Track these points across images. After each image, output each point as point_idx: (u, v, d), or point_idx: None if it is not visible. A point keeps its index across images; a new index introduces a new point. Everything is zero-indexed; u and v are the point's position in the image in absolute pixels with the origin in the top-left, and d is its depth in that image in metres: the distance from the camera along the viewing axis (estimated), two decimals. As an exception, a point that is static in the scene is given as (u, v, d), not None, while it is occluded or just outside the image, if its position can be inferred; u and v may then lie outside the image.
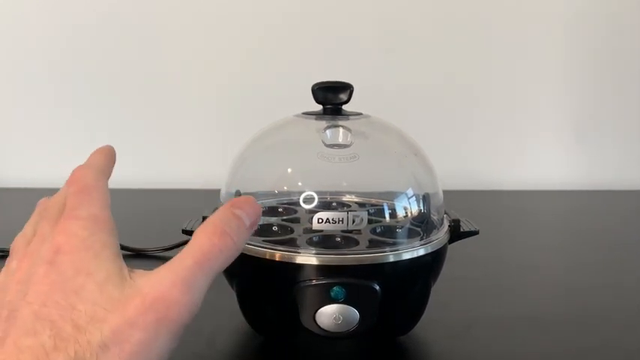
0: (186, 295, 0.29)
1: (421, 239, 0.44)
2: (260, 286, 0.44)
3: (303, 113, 0.50)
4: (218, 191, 0.50)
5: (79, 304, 0.27)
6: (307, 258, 0.41)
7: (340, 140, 0.48)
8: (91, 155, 0.38)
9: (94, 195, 0.33)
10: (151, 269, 0.31)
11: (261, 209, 0.35)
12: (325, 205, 0.50)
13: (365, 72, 1.02)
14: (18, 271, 0.31)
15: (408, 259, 0.42)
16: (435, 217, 0.47)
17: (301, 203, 0.45)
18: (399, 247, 0.43)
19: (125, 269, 0.30)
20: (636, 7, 1.05)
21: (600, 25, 1.06)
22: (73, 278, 0.28)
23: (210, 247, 0.31)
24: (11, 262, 0.32)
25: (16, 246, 0.34)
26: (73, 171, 0.36)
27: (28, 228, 0.35)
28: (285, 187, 0.51)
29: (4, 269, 0.32)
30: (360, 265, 0.41)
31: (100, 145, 0.40)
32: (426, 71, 1.05)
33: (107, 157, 0.38)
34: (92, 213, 0.32)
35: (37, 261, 0.30)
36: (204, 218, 0.47)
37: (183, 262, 0.30)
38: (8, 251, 0.68)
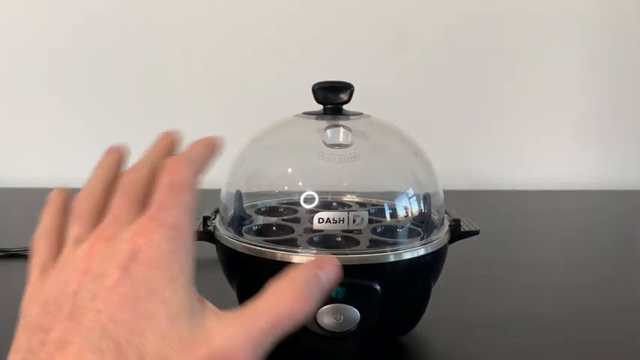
0: (253, 356, 0.27)
1: (421, 239, 0.44)
2: (260, 286, 0.44)
3: (304, 113, 0.50)
4: (218, 191, 0.50)
5: (148, 333, 0.26)
6: (307, 258, 0.41)
7: (341, 140, 0.48)
8: (192, 145, 0.35)
9: (184, 197, 0.31)
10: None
11: (340, 268, 0.32)
12: (325, 205, 0.50)
13: (365, 72, 1.02)
14: (87, 257, 0.29)
15: (409, 259, 0.42)
16: (435, 217, 0.47)
17: (302, 203, 0.45)
18: (400, 247, 0.43)
19: (197, 302, 0.28)
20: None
21: (600, 24, 1.06)
22: (145, 300, 0.27)
23: (289, 312, 0.29)
24: (74, 228, 0.31)
25: (82, 206, 0.32)
26: (170, 159, 0.33)
27: (93, 183, 0.34)
28: (286, 187, 0.51)
29: (67, 238, 0.31)
30: (361, 264, 0.41)
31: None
32: (426, 71, 1.05)
33: (209, 151, 0.35)
34: (178, 223, 0.29)
35: (111, 258, 0.28)
36: (204, 218, 0.48)
37: (257, 320, 0.28)
38: (8, 251, 0.68)
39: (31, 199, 0.95)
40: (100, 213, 0.32)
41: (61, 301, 0.27)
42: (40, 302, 0.28)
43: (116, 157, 0.37)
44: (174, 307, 0.27)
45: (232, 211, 0.48)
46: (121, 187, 0.32)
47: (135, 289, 0.27)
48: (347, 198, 0.53)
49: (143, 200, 0.31)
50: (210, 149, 0.36)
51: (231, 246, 0.44)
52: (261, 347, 0.28)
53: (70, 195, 0.36)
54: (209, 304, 0.29)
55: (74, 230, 0.31)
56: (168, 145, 0.37)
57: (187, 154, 0.34)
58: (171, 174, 0.31)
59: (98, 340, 0.25)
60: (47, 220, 0.34)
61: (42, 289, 0.29)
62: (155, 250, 0.28)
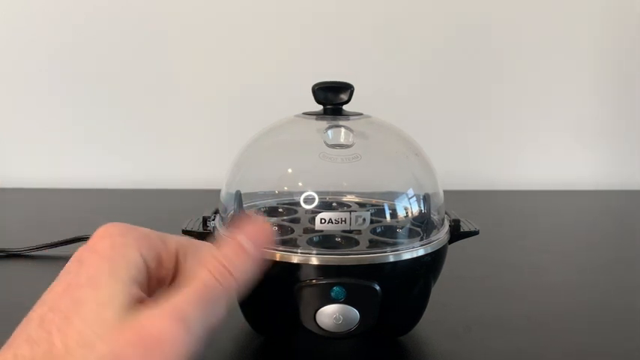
0: (182, 331, 0.27)
1: (421, 239, 0.44)
2: (260, 286, 0.44)
3: (304, 113, 0.50)
4: (218, 191, 0.50)
5: (75, 319, 0.27)
6: (307, 258, 0.41)
7: (342, 140, 0.48)
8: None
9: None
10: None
11: (272, 230, 0.33)
12: (325, 206, 0.50)
13: (365, 72, 1.02)
14: None
15: (409, 259, 0.42)
16: (435, 217, 0.47)
17: (302, 203, 0.45)
18: (400, 247, 0.43)
19: (134, 297, 0.28)
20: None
21: (602, 23, 1.06)
22: (82, 288, 0.28)
23: (210, 286, 0.29)
24: None
25: None
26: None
27: None
28: (286, 188, 0.51)
29: None
30: (361, 265, 0.41)
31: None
32: (427, 71, 1.05)
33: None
34: (139, 227, 0.31)
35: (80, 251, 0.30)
36: (204, 218, 0.48)
37: (183, 297, 0.28)
38: (8, 251, 0.68)
39: (31, 199, 0.96)
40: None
41: None
42: None
43: None
44: (105, 295, 0.27)
45: (232, 212, 0.48)
46: None
47: (78, 275, 0.28)
48: (346, 198, 0.53)
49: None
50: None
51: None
52: (193, 324, 0.28)
53: None
54: (152, 303, 0.29)
55: None
56: None
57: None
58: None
59: (34, 330, 0.26)
60: None
61: None
62: (109, 239, 0.29)
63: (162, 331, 0.27)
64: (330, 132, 0.48)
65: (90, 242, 0.30)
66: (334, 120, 0.48)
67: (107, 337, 0.26)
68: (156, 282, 0.31)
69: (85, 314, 0.27)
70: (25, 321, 0.28)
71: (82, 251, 0.29)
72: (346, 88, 0.47)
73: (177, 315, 0.27)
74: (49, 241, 0.65)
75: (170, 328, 0.27)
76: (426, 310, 0.46)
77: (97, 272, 0.28)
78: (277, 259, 0.41)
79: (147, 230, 0.31)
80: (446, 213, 0.49)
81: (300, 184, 0.48)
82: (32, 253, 0.66)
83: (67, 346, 0.26)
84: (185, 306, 0.28)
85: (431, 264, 0.44)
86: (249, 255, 0.31)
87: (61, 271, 0.29)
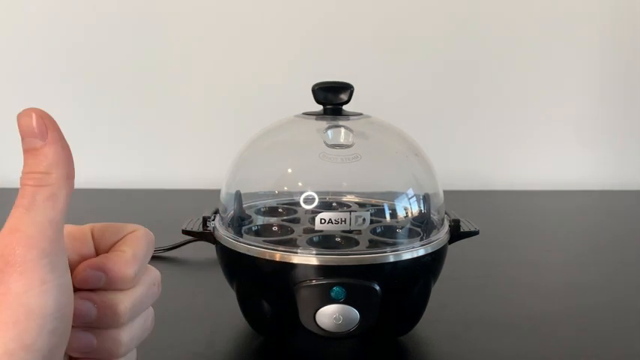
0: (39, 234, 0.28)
1: (421, 239, 0.44)
2: (260, 286, 0.44)
3: (304, 113, 0.50)
4: (218, 191, 0.50)
5: None
6: (307, 258, 0.41)
7: (342, 140, 0.48)
8: None
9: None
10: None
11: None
12: (325, 206, 0.50)
13: (365, 72, 1.02)
14: None
15: (408, 260, 0.42)
16: (435, 217, 0.47)
17: (302, 203, 0.45)
18: (399, 248, 0.43)
19: (16, 273, 0.27)
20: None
21: (603, 23, 1.06)
22: None
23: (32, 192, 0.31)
24: None
25: None
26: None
27: None
28: (286, 188, 0.51)
29: None
30: (360, 265, 0.41)
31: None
32: (426, 72, 1.05)
33: None
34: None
35: None
36: (204, 218, 0.48)
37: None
38: (8, 251, 0.68)
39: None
40: None
41: None
42: None
43: None
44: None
45: (232, 212, 0.48)
46: None
47: None
48: (346, 198, 0.53)
49: None
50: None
51: (230, 246, 0.44)
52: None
53: None
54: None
55: None
56: None
57: None
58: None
59: None
60: None
61: None
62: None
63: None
64: (330, 132, 0.48)
65: None
66: (334, 120, 0.48)
67: None
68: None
69: None
70: None
71: None
72: (346, 88, 0.47)
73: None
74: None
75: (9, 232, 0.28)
76: (426, 310, 0.46)
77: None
78: (277, 259, 0.41)
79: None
80: (446, 213, 0.49)
81: (300, 184, 0.48)
82: (32, 253, 0.66)
83: None
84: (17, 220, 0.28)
85: (431, 264, 0.44)
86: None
87: None
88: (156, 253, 0.67)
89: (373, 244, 0.44)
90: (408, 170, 0.50)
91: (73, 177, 0.31)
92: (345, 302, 0.40)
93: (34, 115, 0.31)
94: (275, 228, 0.47)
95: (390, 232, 0.46)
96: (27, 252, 0.27)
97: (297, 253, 0.41)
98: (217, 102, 1.05)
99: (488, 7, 1.04)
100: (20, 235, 0.27)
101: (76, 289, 0.28)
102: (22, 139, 0.30)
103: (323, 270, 0.40)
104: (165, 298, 0.34)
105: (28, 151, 0.31)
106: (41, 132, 0.30)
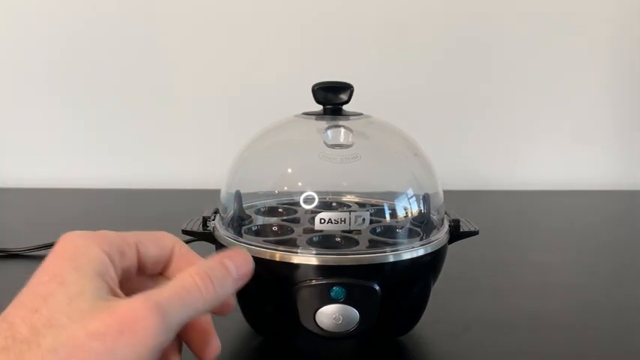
0: (156, 315, 0.27)
1: (421, 239, 0.44)
2: (260, 286, 0.44)
3: (304, 113, 0.50)
4: (218, 191, 0.50)
5: (44, 309, 0.27)
6: (307, 258, 0.41)
7: (342, 140, 0.48)
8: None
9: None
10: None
11: (253, 263, 0.34)
12: (325, 206, 0.50)
13: (365, 72, 1.02)
14: None
15: (408, 260, 0.42)
16: (435, 217, 0.47)
17: (302, 203, 0.45)
18: (399, 248, 0.43)
19: (104, 290, 0.29)
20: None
21: (603, 23, 1.06)
22: (46, 284, 0.28)
23: (191, 284, 0.30)
24: None
25: None
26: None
27: None
28: (286, 188, 0.51)
29: None
30: (360, 265, 0.41)
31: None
32: (426, 71, 1.05)
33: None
34: (100, 232, 0.32)
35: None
36: (204, 218, 0.48)
37: (161, 290, 0.29)
38: (8, 251, 0.68)
39: (31, 199, 0.96)
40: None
41: None
42: None
43: None
44: (74, 289, 0.27)
45: (232, 212, 0.48)
46: None
47: (38, 276, 0.28)
48: (346, 198, 0.53)
49: None
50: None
51: (230, 246, 0.44)
52: (168, 311, 0.28)
53: None
54: (121, 294, 0.30)
55: None
56: None
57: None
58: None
59: None
60: None
61: None
62: (69, 244, 0.30)
63: (137, 314, 0.27)
64: (329, 132, 0.48)
65: (52, 250, 0.30)
66: (334, 120, 0.48)
67: (80, 320, 0.26)
68: (122, 273, 0.32)
69: (54, 306, 0.27)
70: None
71: (45, 260, 0.30)
72: (346, 88, 0.47)
73: (153, 302, 0.28)
74: (49, 241, 0.65)
75: (145, 311, 0.27)
76: (426, 310, 0.46)
77: (62, 270, 0.28)
78: (277, 259, 0.41)
79: (106, 231, 0.32)
80: (446, 213, 0.49)
81: (299, 184, 0.48)
82: (32, 253, 0.66)
83: (34, 328, 0.26)
84: (161, 298, 0.28)
85: (431, 264, 0.44)
86: (231, 275, 0.32)
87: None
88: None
89: (373, 244, 0.44)
90: (408, 170, 0.50)
91: None
92: (344, 302, 0.40)
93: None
94: (275, 228, 0.47)
95: (389, 232, 0.46)
96: None
97: (297, 253, 0.41)
98: (217, 102, 1.05)
99: (488, 7, 1.04)
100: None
101: None
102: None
103: (323, 270, 0.40)
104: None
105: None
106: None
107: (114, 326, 0.26)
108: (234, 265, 0.33)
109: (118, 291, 0.30)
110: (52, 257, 0.30)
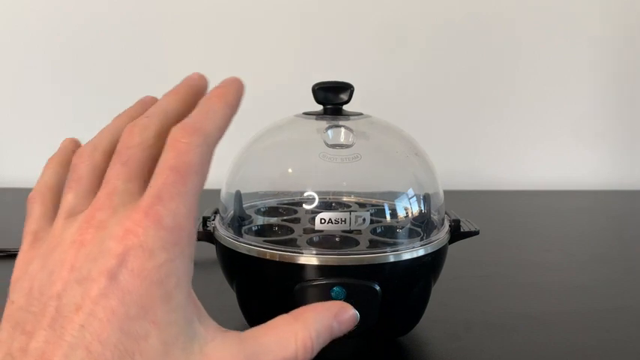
0: None
1: (421, 239, 0.44)
2: (260, 286, 0.44)
3: (304, 113, 0.50)
4: (218, 191, 0.50)
5: (137, 356, 0.23)
6: (307, 258, 0.41)
7: (342, 140, 0.48)
8: (209, 100, 0.30)
9: (190, 184, 0.26)
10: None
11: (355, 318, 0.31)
12: (325, 206, 0.50)
13: (365, 72, 1.02)
14: (74, 248, 0.25)
15: (409, 260, 0.42)
16: (435, 217, 0.47)
17: (302, 203, 0.45)
18: (400, 248, 0.43)
19: (196, 321, 0.26)
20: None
21: (603, 23, 1.06)
22: (136, 320, 0.24)
23: (291, 357, 0.28)
24: (68, 195, 0.28)
25: (81, 167, 0.28)
26: (179, 129, 0.26)
27: (103, 136, 0.30)
28: (286, 188, 0.51)
29: (61, 204, 0.28)
30: (361, 265, 0.41)
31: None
32: (426, 71, 1.05)
33: (230, 109, 0.30)
34: (179, 222, 0.25)
35: (98, 258, 0.25)
36: (204, 218, 0.48)
37: (261, 357, 0.27)
38: (8, 251, 0.68)
39: (31, 199, 0.96)
40: (101, 177, 0.28)
41: (44, 300, 0.25)
42: (24, 289, 0.26)
43: (140, 108, 0.32)
44: (169, 331, 0.24)
45: (232, 212, 0.48)
46: (119, 153, 0.27)
47: (124, 304, 0.24)
48: (346, 198, 0.53)
49: (145, 172, 0.27)
50: (231, 106, 0.31)
51: (230, 246, 0.44)
52: None
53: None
54: (211, 322, 0.27)
55: (68, 199, 0.28)
56: (187, 97, 0.32)
57: (201, 123, 0.28)
58: (177, 152, 0.26)
59: None
60: (48, 174, 0.31)
61: (28, 268, 0.27)
62: (148, 256, 0.24)
63: None
64: (330, 132, 0.48)
65: (116, 252, 0.24)
66: (334, 120, 0.48)
67: None
68: None
69: (150, 355, 0.24)
70: (53, 339, 0.24)
71: (110, 265, 0.24)
72: (346, 88, 0.47)
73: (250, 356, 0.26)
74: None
75: None
76: (426, 310, 0.46)
77: (150, 302, 0.24)
78: (277, 260, 0.41)
79: (172, 217, 0.25)
80: (446, 213, 0.49)
81: (300, 184, 0.48)
82: (32, 253, 0.66)
83: None
84: (260, 353, 0.26)
85: (431, 264, 0.44)
86: (334, 335, 0.30)
87: (74, 275, 0.25)
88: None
89: (373, 244, 0.44)
90: (409, 170, 0.50)
91: None
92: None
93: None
94: (275, 228, 0.47)
95: (390, 232, 0.46)
96: None
97: (297, 253, 0.41)
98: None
99: (489, 8, 1.04)
100: None
101: None
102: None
103: (323, 270, 0.40)
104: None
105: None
106: None
107: None
108: (340, 328, 0.30)
109: (203, 311, 0.27)
110: (128, 275, 0.24)
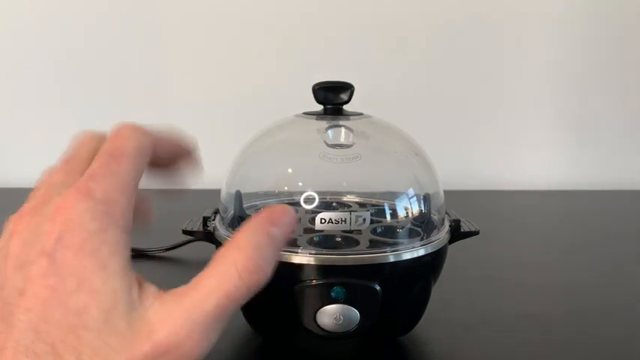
0: (203, 343, 0.25)
1: (421, 239, 0.44)
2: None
3: (304, 113, 0.50)
4: (218, 191, 0.50)
5: (81, 330, 0.24)
6: (308, 258, 0.41)
7: (342, 140, 0.48)
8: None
9: (124, 166, 0.28)
10: (157, 275, 0.29)
11: (295, 218, 0.30)
12: (326, 206, 0.50)
13: (365, 72, 1.02)
14: (13, 238, 0.26)
15: (409, 260, 0.42)
16: (435, 217, 0.47)
17: (302, 203, 0.45)
18: (400, 248, 0.43)
19: (135, 287, 0.26)
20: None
21: (598, 23, 1.05)
22: (74, 293, 0.25)
23: (238, 286, 0.26)
24: (21, 211, 0.28)
25: (37, 186, 0.30)
26: (122, 125, 0.29)
27: (51, 174, 0.31)
28: (286, 187, 0.51)
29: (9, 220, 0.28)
30: (361, 265, 0.41)
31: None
32: (426, 71, 1.05)
33: (175, 135, 0.32)
34: (110, 195, 0.26)
35: (34, 241, 0.26)
36: (204, 218, 0.47)
37: (204, 304, 0.26)
38: (8, 251, 0.67)
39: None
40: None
41: None
42: None
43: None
44: (107, 299, 0.25)
45: (232, 212, 0.48)
46: (67, 152, 0.30)
47: (62, 279, 0.25)
48: (347, 198, 0.53)
49: (84, 168, 0.29)
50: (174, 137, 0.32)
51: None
52: (212, 332, 0.26)
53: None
54: (149, 287, 0.27)
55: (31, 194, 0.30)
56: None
57: (143, 126, 0.30)
58: (115, 140, 0.29)
59: (32, 343, 0.24)
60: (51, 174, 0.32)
61: None
62: (80, 230, 0.25)
63: (182, 345, 0.25)
64: (330, 132, 0.48)
65: (52, 232, 0.25)
66: (334, 120, 0.48)
67: (122, 349, 0.24)
68: None
69: (91, 325, 0.24)
70: (4, 327, 0.25)
71: (46, 245, 0.25)
72: (346, 88, 0.47)
73: (199, 328, 0.25)
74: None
75: (190, 342, 0.25)
76: (426, 310, 0.46)
77: (85, 273, 0.25)
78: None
79: (107, 188, 0.27)
80: (446, 213, 0.49)
81: (300, 184, 0.48)
82: (32, 253, 0.66)
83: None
84: (204, 314, 0.26)
85: (431, 264, 0.44)
86: (276, 239, 0.28)
87: (12, 263, 0.26)
88: (156, 254, 0.67)
89: (373, 244, 0.44)
90: (409, 170, 0.50)
91: None
92: (345, 302, 0.40)
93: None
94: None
95: (390, 232, 0.46)
96: None
97: (297, 253, 0.41)
98: (217, 102, 1.05)
99: (488, 7, 1.04)
100: None
101: None
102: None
103: (323, 270, 0.40)
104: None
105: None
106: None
107: (155, 355, 0.25)
108: (280, 231, 0.29)
109: (142, 279, 0.27)
110: (64, 251, 0.25)
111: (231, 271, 0.27)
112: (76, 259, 0.25)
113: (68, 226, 0.25)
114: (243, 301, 0.27)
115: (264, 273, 0.27)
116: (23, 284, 0.25)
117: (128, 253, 0.27)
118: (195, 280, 0.27)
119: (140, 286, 0.26)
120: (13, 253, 0.26)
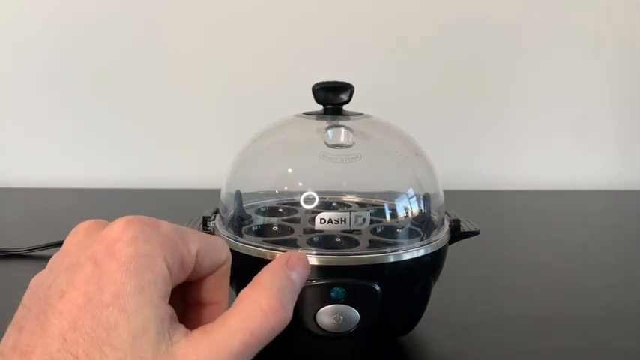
0: None
1: (421, 239, 0.44)
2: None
3: (304, 113, 0.50)
4: (218, 191, 0.50)
5: (107, 347, 0.24)
6: (308, 258, 0.41)
7: (342, 140, 0.48)
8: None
9: (190, 246, 0.29)
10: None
11: (309, 266, 0.32)
12: (325, 206, 0.50)
13: (365, 72, 1.02)
14: (72, 246, 0.28)
15: (409, 260, 0.42)
16: (435, 217, 0.47)
17: (302, 203, 0.45)
18: (400, 248, 0.43)
19: (166, 321, 0.26)
20: None
21: (598, 22, 1.05)
22: (108, 307, 0.24)
23: (263, 324, 0.27)
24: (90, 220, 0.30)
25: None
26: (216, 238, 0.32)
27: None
28: (286, 188, 0.51)
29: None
30: (361, 265, 0.41)
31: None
32: (426, 71, 1.05)
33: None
34: (170, 234, 0.27)
35: (89, 246, 0.26)
36: (204, 218, 0.47)
37: (230, 342, 0.26)
38: (8, 251, 0.68)
39: (31, 199, 0.96)
40: None
41: (40, 292, 0.26)
42: (31, 290, 0.27)
43: None
44: (136, 322, 0.25)
45: (232, 212, 0.48)
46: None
47: (100, 289, 0.25)
48: (346, 198, 0.53)
49: None
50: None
51: (230, 246, 0.43)
52: None
53: None
54: (180, 325, 0.27)
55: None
56: None
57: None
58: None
59: (57, 351, 0.24)
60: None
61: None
62: (133, 246, 0.26)
63: None
64: (330, 132, 0.48)
65: (107, 239, 0.26)
66: (334, 120, 0.48)
67: None
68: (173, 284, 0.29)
69: (118, 344, 0.24)
70: (38, 329, 0.24)
71: (97, 251, 0.26)
72: (346, 88, 0.47)
73: (219, 359, 0.25)
74: (49, 241, 0.65)
75: None
76: (426, 310, 0.46)
77: (123, 290, 0.25)
78: (277, 259, 0.41)
79: (170, 230, 0.28)
80: (446, 213, 0.49)
81: (300, 184, 0.48)
82: (32, 253, 0.66)
83: None
84: (230, 349, 0.26)
85: (431, 264, 0.44)
86: (296, 283, 0.30)
87: (66, 262, 0.26)
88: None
89: (373, 244, 0.43)
90: (409, 170, 0.50)
91: None
92: (345, 302, 0.40)
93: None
94: (275, 228, 0.47)
95: (390, 232, 0.46)
96: None
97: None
98: (217, 102, 1.05)
99: (489, 7, 1.04)
100: None
101: None
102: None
103: (323, 270, 0.40)
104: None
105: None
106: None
107: None
108: (299, 275, 0.30)
109: (173, 312, 0.27)
110: (109, 259, 0.25)
111: (257, 310, 0.27)
112: (118, 272, 0.25)
113: (122, 238, 0.26)
114: (267, 341, 0.27)
115: (287, 312, 0.28)
116: (66, 286, 0.25)
117: (167, 290, 0.27)
118: (221, 317, 0.27)
119: (172, 320, 0.26)
120: (70, 253, 0.27)
